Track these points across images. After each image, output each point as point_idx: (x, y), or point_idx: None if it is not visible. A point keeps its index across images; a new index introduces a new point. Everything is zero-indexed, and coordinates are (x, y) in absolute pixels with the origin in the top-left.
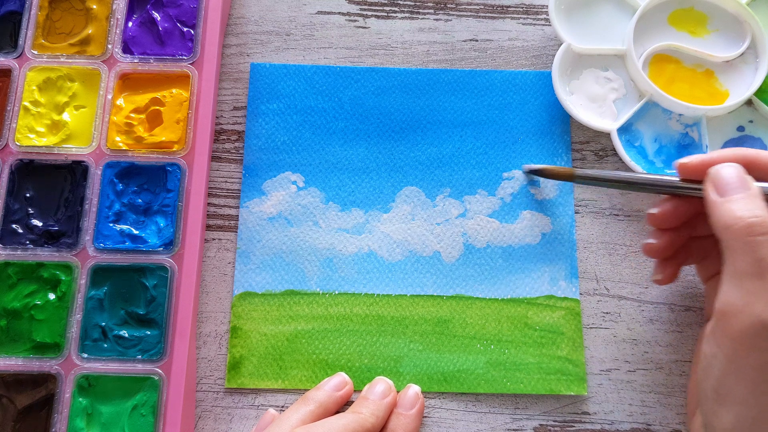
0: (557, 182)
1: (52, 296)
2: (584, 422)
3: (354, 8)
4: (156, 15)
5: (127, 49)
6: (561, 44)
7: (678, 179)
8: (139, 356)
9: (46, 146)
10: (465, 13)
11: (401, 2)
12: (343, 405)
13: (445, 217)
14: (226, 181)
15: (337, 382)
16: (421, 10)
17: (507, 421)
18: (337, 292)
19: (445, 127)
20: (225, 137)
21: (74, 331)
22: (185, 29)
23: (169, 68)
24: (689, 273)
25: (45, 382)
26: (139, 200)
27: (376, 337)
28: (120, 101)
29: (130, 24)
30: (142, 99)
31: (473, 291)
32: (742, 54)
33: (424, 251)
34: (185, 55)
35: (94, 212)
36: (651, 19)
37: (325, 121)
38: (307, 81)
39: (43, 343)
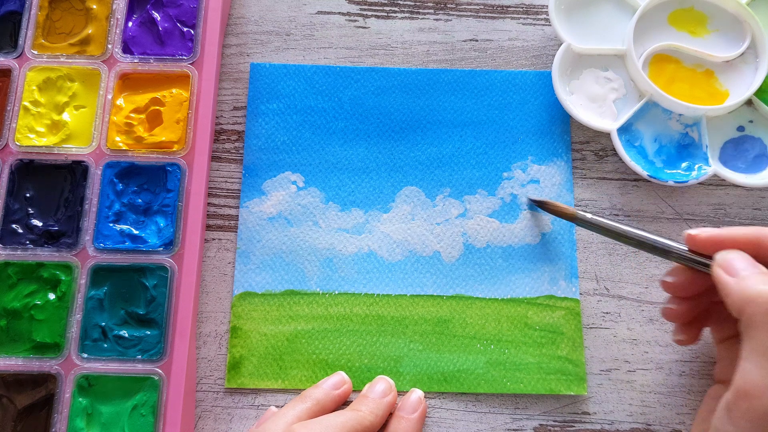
0: (557, 181)
1: (52, 296)
2: (584, 422)
3: (354, 8)
4: (156, 15)
5: (127, 49)
6: (561, 44)
7: (686, 249)
8: (139, 356)
9: (46, 146)
10: (465, 13)
11: (401, 2)
12: (342, 404)
13: (445, 217)
14: (226, 181)
15: (335, 381)
16: (421, 10)
17: (507, 421)
18: (337, 292)
19: (445, 127)
20: (225, 137)
21: (74, 331)
22: (185, 29)
23: (169, 68)
24: None
25: (45, 382)
26: (139, 200)
27: (376, 337)
28: (120, 101)
29: (130, 24)
30: (142, 99)
31: (473, 291)
32: (742, 54)
33: (424, 251)
34: (185, 55)
35: (94, 212)
36: (651, 19)
37: (325, 121)
38: (307, 81)
39: (43, 343)
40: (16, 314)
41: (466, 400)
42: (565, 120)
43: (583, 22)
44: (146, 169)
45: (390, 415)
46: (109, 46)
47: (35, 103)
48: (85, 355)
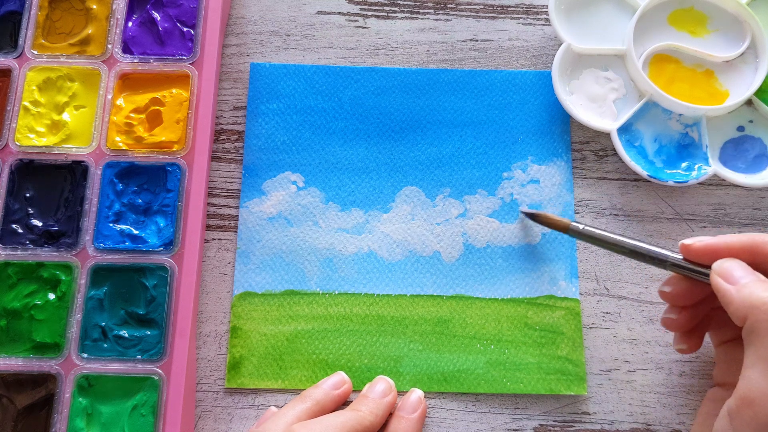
0: (557, 181)
1: (52, 296)
2: (584, 422)
3: (354, 8)
4: (156, 15)
5: (127, 49)
6: (561, 44)
7: (682, 258)
8: (139, 356)
9: (46, 146)
10: (465, 13)
11: (401, 2)
12: (342, 404)
13: (445, 217)
14: (226, 181)
15: (335, 381)
16: (421, 10)
17: (507, 421)
18: (337, 292)
19: (445, 127)
20: (225, 137)
21: (74, 331)
22: (185, 29)
23: (169, 68)
24: None
25: (45, 382)
26: (139, 200)
27: (376, 337)
28: (120, 101)
29: (130, 24)
30: (142, 99)
31: (473, 291)
32: (742, 54)
33: (424, 251)
34: (185, 55)
35: (94, 212)
36: (651, 19)
37: (325, 121)
38: (307, 81)
39: (43, 343)
40: (16, 314)
41: (466, 400)
42: (565, 120)
43: (583, 22)
44: (146, 169)
45: (390, 415)
46: (109, 46)
47: (35, 103)
48: (85, 355)
